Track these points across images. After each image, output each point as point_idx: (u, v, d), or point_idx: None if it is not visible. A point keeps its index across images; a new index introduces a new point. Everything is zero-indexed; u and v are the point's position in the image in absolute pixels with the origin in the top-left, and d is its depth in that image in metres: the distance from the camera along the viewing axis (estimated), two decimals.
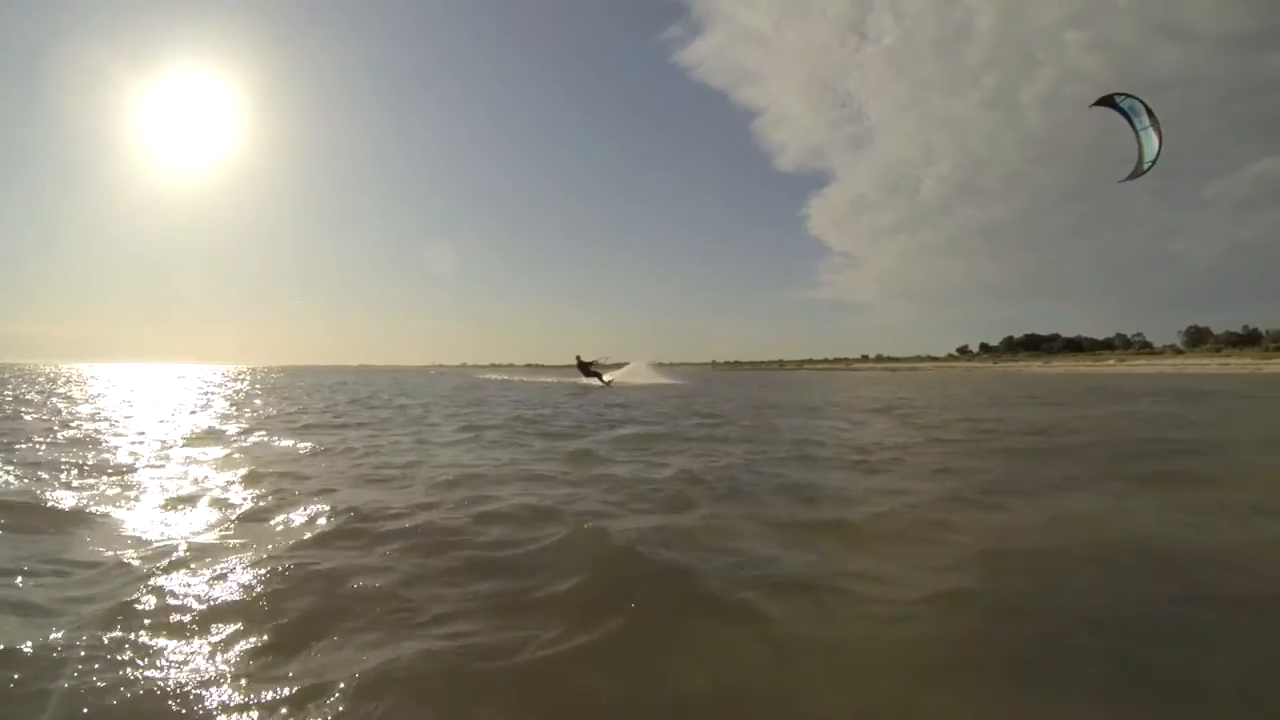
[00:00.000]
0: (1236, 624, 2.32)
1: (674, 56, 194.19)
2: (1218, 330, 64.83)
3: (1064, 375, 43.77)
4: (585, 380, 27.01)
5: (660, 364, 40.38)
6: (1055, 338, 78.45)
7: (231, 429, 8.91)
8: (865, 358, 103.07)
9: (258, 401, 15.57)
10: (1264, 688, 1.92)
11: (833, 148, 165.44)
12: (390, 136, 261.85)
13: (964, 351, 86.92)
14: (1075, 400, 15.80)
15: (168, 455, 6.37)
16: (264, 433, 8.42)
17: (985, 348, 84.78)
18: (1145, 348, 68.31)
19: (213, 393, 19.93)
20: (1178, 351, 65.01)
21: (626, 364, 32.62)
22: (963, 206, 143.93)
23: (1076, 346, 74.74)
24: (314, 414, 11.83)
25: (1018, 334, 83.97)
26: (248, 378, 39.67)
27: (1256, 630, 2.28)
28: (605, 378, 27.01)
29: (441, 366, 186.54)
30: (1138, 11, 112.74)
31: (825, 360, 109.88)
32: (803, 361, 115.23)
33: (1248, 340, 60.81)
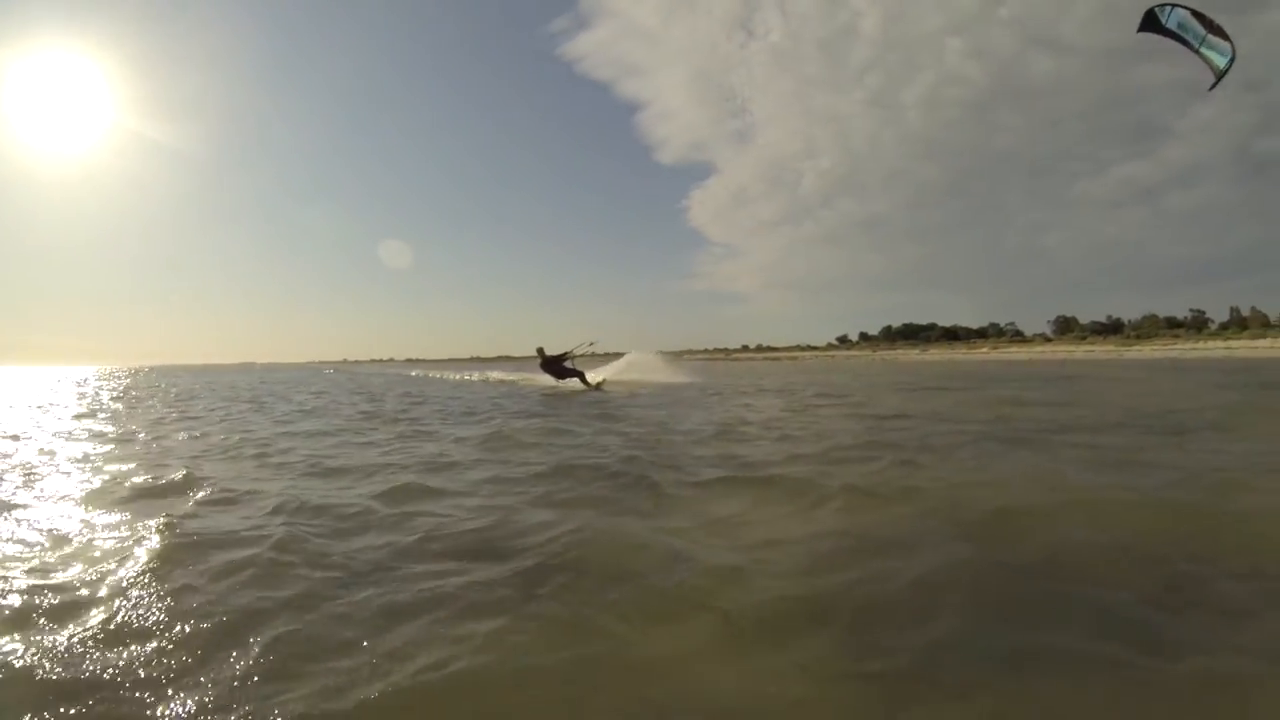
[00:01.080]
0: None
1: (560, 48, 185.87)
2: (1084, 319, 69.29)
3: (939, 362, 45.45)
4: (557, 383, 17.63)
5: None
6: (933, 327, 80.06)
7: None
8: (745, 347, 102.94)
9: None
10: None
11: (715, 142, 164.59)
12: (270, 126, 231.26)
13: (844, 341, 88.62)
14: (953, 385, 15.69)
15: None
16: None
17: (865, 337, 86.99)
18: (1017, 336, 72.13)
19: None
20: (1047, 339, 69.91)
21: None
22: (843, 200, 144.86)
23: (953, 335, 76.90)
24: None
25: (896, 323, 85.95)
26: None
27: None
28: (591, 377, 17.53)
29: (326, 362, 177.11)
30: (1016, 23, 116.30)
31: (705, 350, 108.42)
32: (681, 352, 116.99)
33: (1111, 329, 66.52)
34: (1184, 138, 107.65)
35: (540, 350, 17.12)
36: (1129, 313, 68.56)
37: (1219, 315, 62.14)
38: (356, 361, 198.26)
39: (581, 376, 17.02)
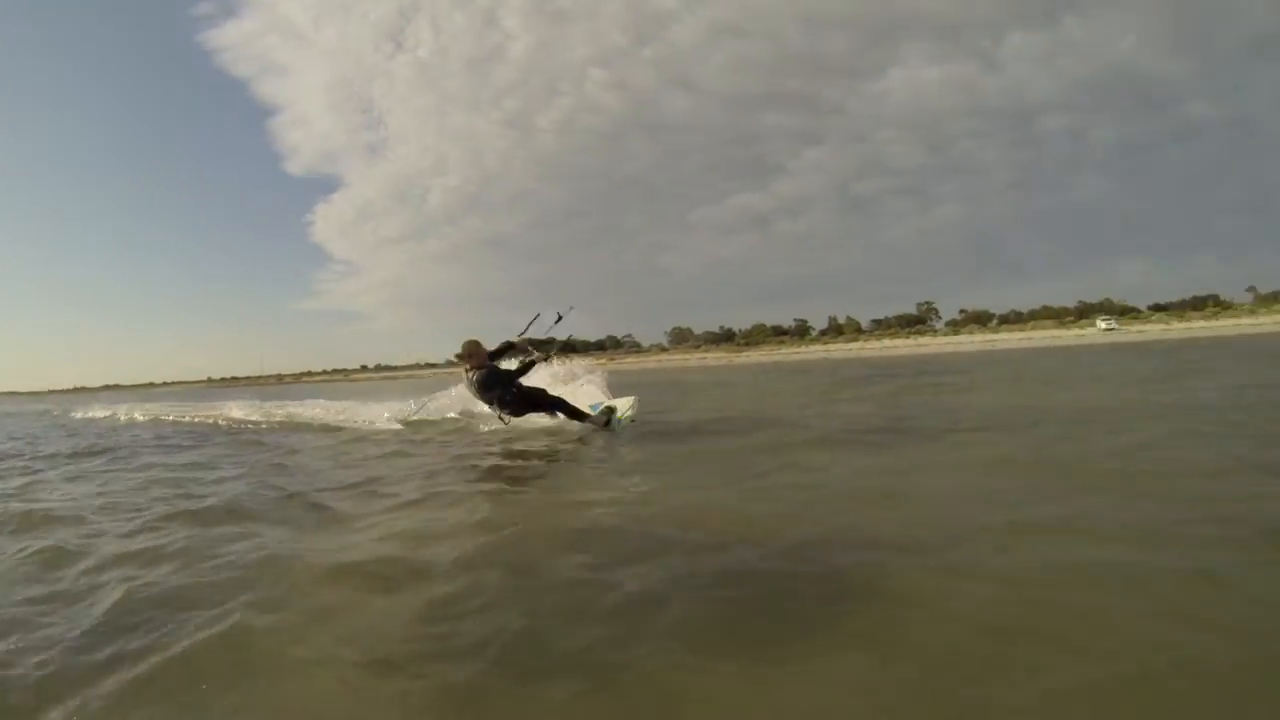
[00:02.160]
0: None
1: (202, 35, 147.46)
2: (698, 330, 75.76)
3: None
4: (486, 412, 6.71)
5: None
6: (551, 341, 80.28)
7: None
8: (365, 368, 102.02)
9: None
10: None
11: (347, 154, 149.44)
12: None
13: (462, 357, 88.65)
14: None
15: None
16: None
17: None
18: (635, 347, 76.91)
19: None
20: (663, 349, 73.73)
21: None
22: (469, 218, 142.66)
23: (571, 348, 78.21)
24: None
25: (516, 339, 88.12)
26: None
27: None
28: (607, 404, 6.61)
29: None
30: (658, 63, 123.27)
31: (325, 372, 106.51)
32: (300, 374, 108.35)
33: (724, 337, 74.96)
34: (795, 175, 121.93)
35: (473, 348, 6.31)
36: (740, 322, 76.58)
37: (819, 323, 73.07)
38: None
39: (562, 405, 6.40)
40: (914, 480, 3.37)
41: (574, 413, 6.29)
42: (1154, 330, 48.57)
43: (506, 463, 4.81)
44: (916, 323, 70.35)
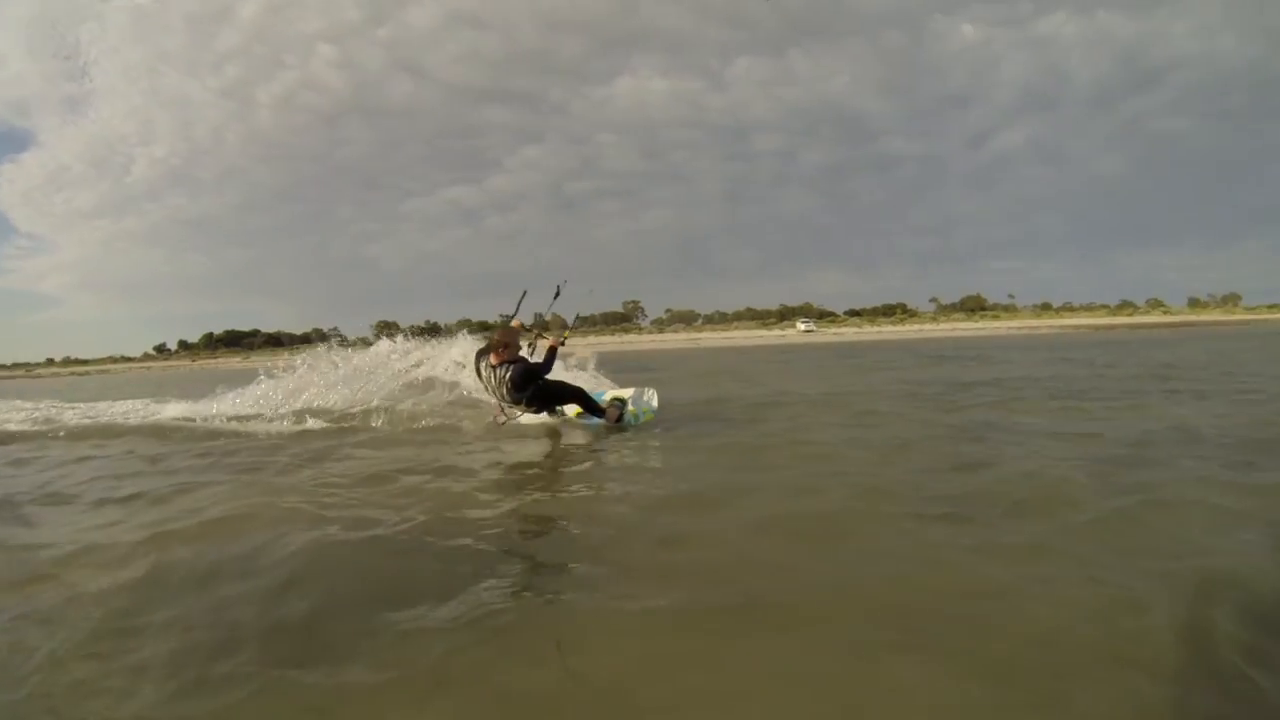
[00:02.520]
0: None
1: None
2: (404, 323, 61.56)
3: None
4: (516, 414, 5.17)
5: None
6: (256, 333, 78.63)
7: None
8: (51, 361, 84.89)
9: None
10: None
11: (43, 105, 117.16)
12: None
13: (162, 350, 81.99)
14: None
15: None
16: None
17: (185, 345, 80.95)
18: (343, 340, 37.30)
19: None
20: (367, 343, 31.56)
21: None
22: (173, 195, 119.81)
23: (277, 342, 73.24)
24: None
25: (219, 330, 79.47)
26: None
27: None
28: (613, 394, 5.55)
29: None
30: (391, 45, 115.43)
31: (3, 366, 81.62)
32: None
33: (430, 331, 47.53)
34: (511, 171, 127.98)
35: (510, 337, 5.04)
36: (446, 317, 69.34)
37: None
38: None
39: (581, 398, 5.23)
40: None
41: (592, 407, 5.26)
42: (849, 332, 59.95)
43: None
44: (623, 320, 69.98)
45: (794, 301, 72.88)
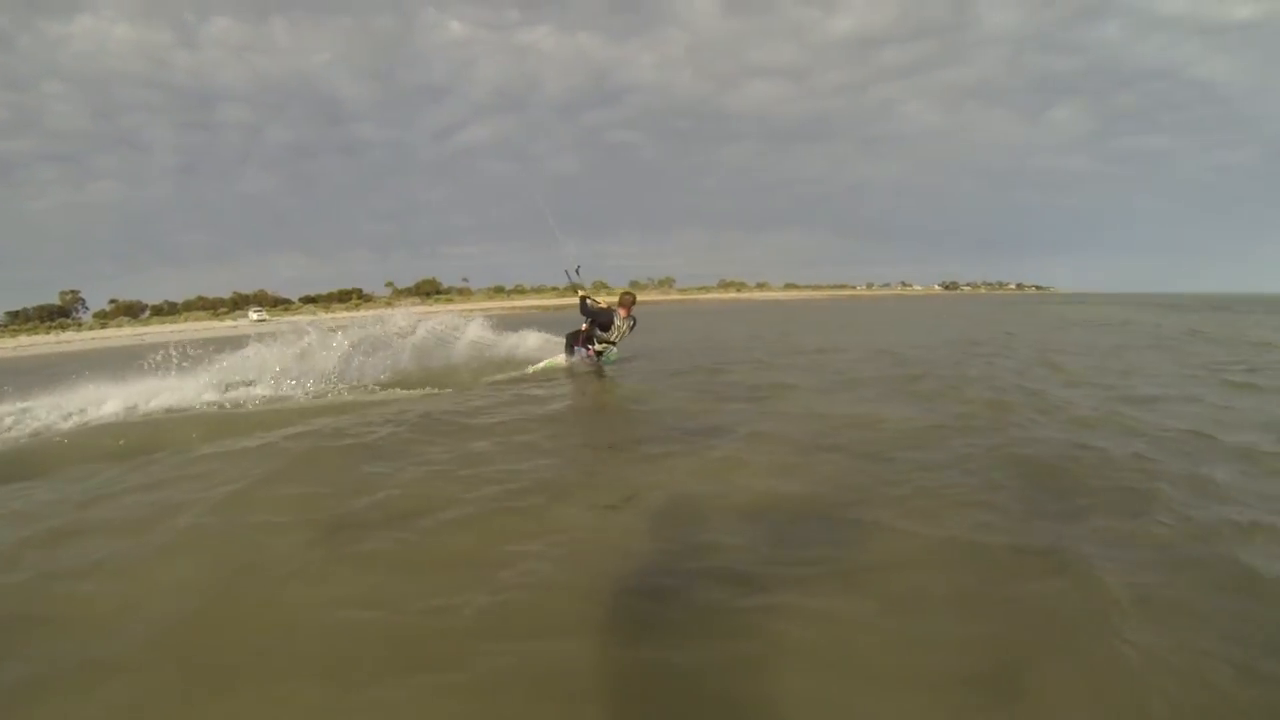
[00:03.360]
0: None
1: None
2: None
3: None
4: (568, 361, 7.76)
5: None
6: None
7: None
8: None
9: None
10: None
11: None
12: None
13: None
14: None
15: None
16: None
17: None
18: None
19: None
20: None
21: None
22: None
23: None
24: None
25: None
26: None
27: None
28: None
29: None
30: None
31: None
32: None
33: None
34: None
35: (626, 292, 7.71)
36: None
37: None
38: None
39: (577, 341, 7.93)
40: None
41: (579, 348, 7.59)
42: (303, 319, 61.04)
43: None
44: (60, 315, 61.65)
45: (249, 289, 69.74)
